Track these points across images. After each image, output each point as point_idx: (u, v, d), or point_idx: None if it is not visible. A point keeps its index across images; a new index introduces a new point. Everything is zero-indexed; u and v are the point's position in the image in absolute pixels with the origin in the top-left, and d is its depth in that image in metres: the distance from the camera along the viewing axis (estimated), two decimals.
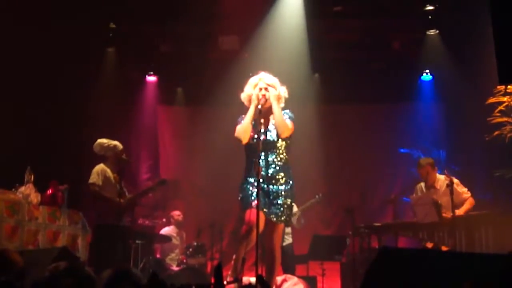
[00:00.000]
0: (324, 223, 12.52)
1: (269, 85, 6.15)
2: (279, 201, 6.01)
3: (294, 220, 9.77)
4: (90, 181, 7.85)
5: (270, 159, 6.03)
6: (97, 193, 7.80)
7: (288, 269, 9.31)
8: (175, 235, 10.73)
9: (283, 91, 6.24)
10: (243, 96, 6.29)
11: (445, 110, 12.42)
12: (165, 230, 10.80)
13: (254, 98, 6.19)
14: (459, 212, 7.68)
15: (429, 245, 7.83)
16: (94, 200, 7.91)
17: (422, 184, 8.42)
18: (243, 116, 6.27)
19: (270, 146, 6.05)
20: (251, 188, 6.02)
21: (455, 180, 7.84)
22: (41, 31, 9.90)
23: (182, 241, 10.89)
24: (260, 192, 5.73)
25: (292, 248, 10.01)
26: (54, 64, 10.22)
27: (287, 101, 6.30)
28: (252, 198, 5.96)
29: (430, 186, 8.28)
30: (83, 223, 8.22)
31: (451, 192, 7.41)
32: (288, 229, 9.82)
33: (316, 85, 12.44)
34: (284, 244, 9.69)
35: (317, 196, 10.00)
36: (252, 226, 5.78)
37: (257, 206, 5.65)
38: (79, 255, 7.46)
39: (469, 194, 8.04)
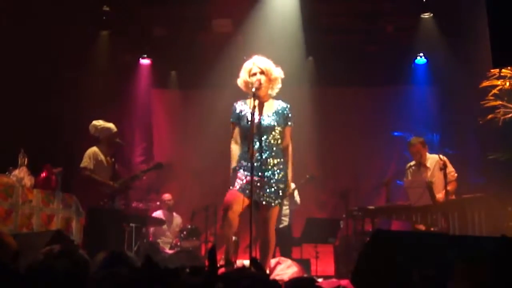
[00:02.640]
0: (318, 206, 12.56)
1: (262, 70, 6.13)
2: (273, 185, 6.01)
3: (298, 198, 9.81)
4: (82, 165, 7.88)
5: (264, 143, 6.02)
6: (89, 177, 7.82)
7: (285, 251, 9.37)
8: (164, 218, 10.73)
9: (279, 72, 6.23)
10: (239, 82, 6.28)
11: (439, 94, 12.43)
12: (156, 214, 10.81)
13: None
14: (442, 194, 7.73)
15: (421, 227, 7.88)
16: (86, 184, 7.92)
17: (412, 164, 8.47)
18: (237, 102, 6.30)
19: (265, 131, 6.04)
20: (243, 171, 6.03)
21: (444, 158, 7.88)
22: (34, 15, 9.86)
23: (170, 224, 10.90)
24: (254, 175, 5.75)
25: (290, 230, 10.05)
26: (47, 47, 10.19)
27: (282, 82, 6.29)
28: (240, 180, 6.00)
29: (422, 165, 8.34)
30: (77, 206, 8.21)
31: (444, 175, 7.45)
32: (286, 211, 9.86)
33: (310, 68, 12.43)
34: (281, 226, 9.74)
35: (307, 176, 10.03)
36: (228, 207, 5.86)
37: (251, 190, 5.67)
38: (73, 238, 7.44)
39: (455, 176, 8.10)
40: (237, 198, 5.93)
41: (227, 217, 5.90)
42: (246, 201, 5.95)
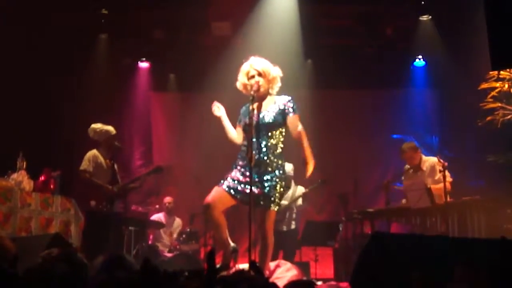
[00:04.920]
0: (317, 208, 12.54)
1: (259, 72, 6.13)
2: (272, 186, 6.00)
3: (300, 201, 9.80)
4: (81, 168, 7.88)
5: (264, 143, 6.01)
6: (88, 180, 7.82)
7: (289, 254, 9.36)
8: (165, 221, 10.71)
9: (276, 71, 6.23)
10: (238, 85, 6.29)
11: (438, 96, 12.43)
12: (156, 217, 10.79)
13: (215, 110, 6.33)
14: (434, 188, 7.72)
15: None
16: (86, 187, 7.92)
17: (407, 167, 8.46)
18: (243, 106, 6.32)
19: (264, 129, 6.03)
20: (238, 171, 6.04)
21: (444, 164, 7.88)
22: (33, 17, 9.86)
23: (170, 227, 10.87)
24: (251, 176, 5.75)
25: (296, 233, 10.02)
26: (46, 50, 10.18)
27: (281, 79, 6.29)
28: (231, 179, 6.04)
29: (417, 169, 8.32)
30: (76, 209, 8.21)
31: (444, 177, 7.44)
32: (293, 215, 9.84)
33: (309, 71, 12.42)
34: (292, 227, 9.73)
35: (319, 180, 10.00)
36: (207, 206, 5.91)
37: (250, 193, 5.67)
38: (71, 242, 7.45)
39: (450, 180, 8.08)
40: (217, 196, 5.96)
41: (209, 217, 5.97)
42: (231, 201, 5.99)
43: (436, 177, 7.88)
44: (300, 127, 6.09)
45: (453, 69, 11.00)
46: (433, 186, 7.70)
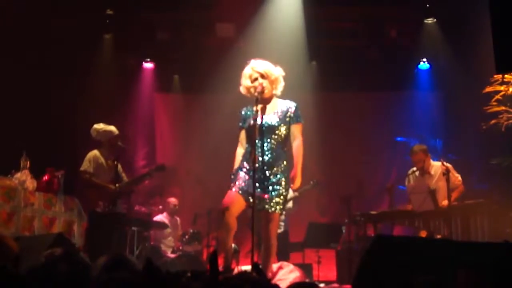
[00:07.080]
0: (320, 211, 12.53)
1: (261, 73, 6.13)
2: (275, 189, 5.99)
3: (290, 204, 9.78)
4: (81, 168, 7.89)
5: (267, 145, 6.01)
6: (88, 180, 7.82)
7: (282, 256, 9.35)
8: (167, 222, 10.69)
9: (278, 72, 6.23)
10: (242, 89, 6.29)
11: (442, 99, 12.42)
12: (157, 218, 10.77)
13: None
14: (446, 201, 7.71)
15: (423, 233, 7.85)
16: (86, 187, 7.92)
17: (415, 169, 8.44)
18: (244, 108, 6.31)
19: (267, 131, 6.03)
20: (244, 173, 6.03)
21: (449, 165, 7.87)
22: (37, 16, 9.87)
23: (174, 228, 10.87)
24: (255, 179, 5.74)
25: (287, 236, 10.02)
26: (51, 50, 10.19)
27: (285, 80, 6.28)
28: (240, 181, 6.01)
29: (424, 172, 8.32)
30: (79, 209, 8.23)
31: (447, 180, 7.43)
32: (282, 217, 9.83)
33: (313, 73, 12.41)
34: (281, 230, 9.71)
35: (311, 182, 9.96)
36: (225, 209, 5.87)
37: (253, 195, 5.67)
38: (74, 242, 7.47)
39: (461, 181, 8.10)
40: (234, 200, 5.94)
41: (224, 220, 5.91)
42: (244, 204, 5.97)
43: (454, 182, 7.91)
44: (299, 140, 6.14)
45: (457, 72, 10.99)
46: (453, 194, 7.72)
